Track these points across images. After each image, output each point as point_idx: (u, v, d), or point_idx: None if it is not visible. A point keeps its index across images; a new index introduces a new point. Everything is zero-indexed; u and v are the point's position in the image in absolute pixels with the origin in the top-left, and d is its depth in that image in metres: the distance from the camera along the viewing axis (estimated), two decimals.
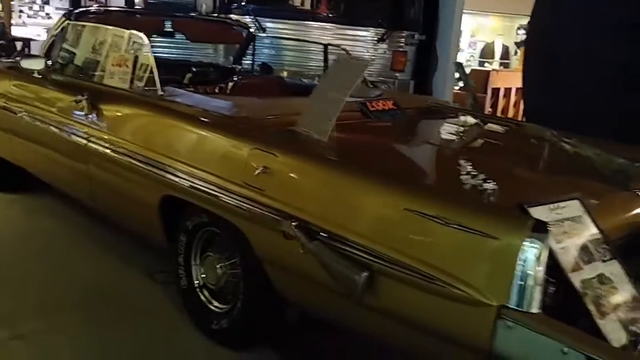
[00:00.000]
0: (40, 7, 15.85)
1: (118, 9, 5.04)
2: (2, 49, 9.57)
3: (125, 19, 4.17)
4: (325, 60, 4.43)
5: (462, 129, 2.98)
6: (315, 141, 2.33)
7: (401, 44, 7.21)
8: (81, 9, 3.96)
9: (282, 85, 4.32)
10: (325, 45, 4.46)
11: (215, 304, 2.76)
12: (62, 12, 15.30)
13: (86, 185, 3.41)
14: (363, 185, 2.05)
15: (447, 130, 3.05)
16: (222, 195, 2.44)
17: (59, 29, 3.92)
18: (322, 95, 2.44)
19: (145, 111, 3.04)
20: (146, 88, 3.13)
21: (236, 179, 2.39)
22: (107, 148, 3.13)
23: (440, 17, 7.47)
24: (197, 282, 2.81)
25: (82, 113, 3.32)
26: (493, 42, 13.47)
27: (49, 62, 3.91)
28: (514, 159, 2.63)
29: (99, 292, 3.22)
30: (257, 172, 2.29)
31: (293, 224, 2.08)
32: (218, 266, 2.68)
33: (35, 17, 15.52)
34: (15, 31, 12.35)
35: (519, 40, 13.25)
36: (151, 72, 3.13)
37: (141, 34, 3.25)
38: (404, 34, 7.15)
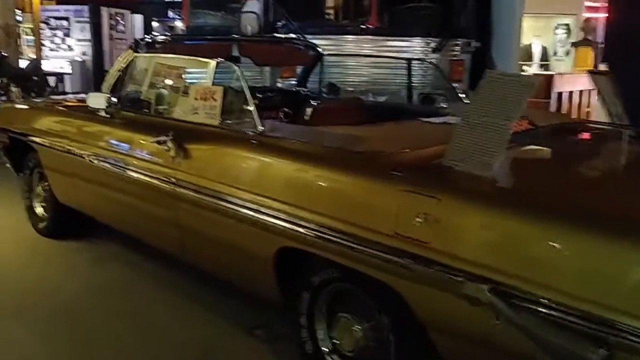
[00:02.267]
0: (61, 39, 15.82)
1: (183, 35, 4.69)
2: (35, 86, 9.34)
3: (192, 46, 3.84)
4: (409, 76, 4.06)
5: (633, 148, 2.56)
6: (479, 178, 1.94)
7: (456, 53, 6.85)
8: (147, 39, 3.62)
9: (364, 107, 3.95)
10: (409, 60, 4.09)
11: None
12: (84, 43, 15.41)
13: (174, 234, 3.05)
14: (576, 235, 1.65)
15: (616, 151, 2.64)
16: (364, 248, 2.06)
17: (126, 63, 3.59)
18: (477, 122, 2.05)
19: (246, 151, 2.68)
20: (238, 121, 2.79)
21: (384, 229, 2.00)
22: (201, 193, 2.77)
23: (494, 22, 7.09)
24: (326, 347, 2.42)
25: (167, 155, 2.96)
26: (530, 44, 13.01)
27: (115, 99, 3.59)
28: None
29: (197, 353, 2.87)
30: (416, 220, 1.90)
31: (484, 287, 1.68)
32: (356, 329, 2.28)
33: (57, 50, 15.47)
34: None
35: (557, 39, 12.76)
36: (246, 103, 2.79)
37: (230, 63, 2.91)
38: (459, 42, 6.79)
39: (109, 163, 3.42)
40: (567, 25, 12.25)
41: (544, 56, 13.04)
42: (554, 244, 1.64)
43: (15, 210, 4.79)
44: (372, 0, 6.71)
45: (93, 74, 15.13)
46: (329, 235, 2.17)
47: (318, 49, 4.54)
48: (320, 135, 2.56)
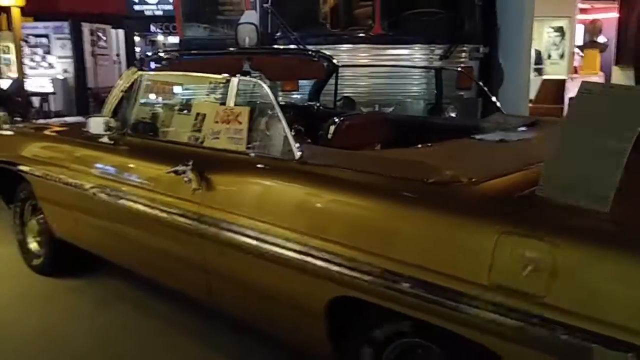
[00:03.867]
0: (42, 57, 15.31)
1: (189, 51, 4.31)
2: (19, 107, 8.86)
3: (202, 62, 3.46)
4: (439, 87, 3.73)
5: None
6: (596, 214, 1.60)
7: (464, 59, 6.55)
8: (153, 55, 3.24)
9: (390, 123, 3.60)
10: (438, 70, 3.76)
11: None
12: (65, 60, 14.94)
13: (199, 278, 2.67)
14: None
15: None
16: (448, 301, 1.70)
17: (129, 83, 3.21)
18: (580, 144, 1.71)
19: (284, 181, 2.32)
20: (269, 146, 2.42)
21: (477, 277, 1.65)
22: (231, 232, 2.40)
23: (501, 26, 6.81)
24: None
25: (187, 187, 2.59)
26: None
27: (118, 123, 3.20)
28: None
29: None
30: (524, 269, 1.55)
31: (629, 355, 1.34)
32: None
33: (37, 68, 14.96)
34: None
35: (551, 42, 12.55)
36: (278, 125, 2.43)
37: (256, 80, 2.55)
38: (466, 48, 6.49)
39: (115, 196, 3.03)
40: (560, 27, 12.06)
41: (538, 60, 12.84)
42: None
43: (5, 245, 4.37)
44: (375, 7, 6.38)
45: (75, 91, 14.67)
46: (401, 283, 1.81)
47: (333, 60, 4.19)
48: (375, 161, 2.20)
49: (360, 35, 6.45)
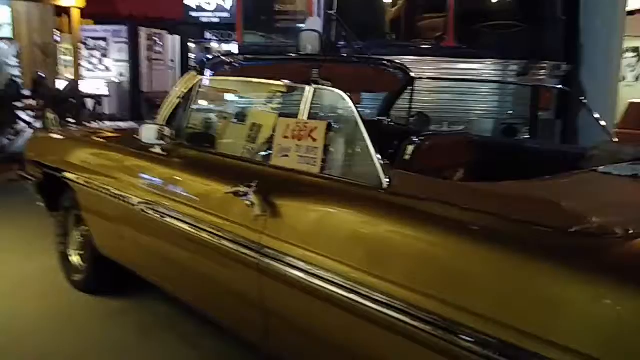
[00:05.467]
0: (98, 60, 15.43)
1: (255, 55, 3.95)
2: (72, 108, 8.74)
3: (267, 68, 3.09)
4: (534, 104, 3.25)
5: None
6: None
7: (542, 77, 6.02)
8: (215, 59, 2.88)
9: (476, 145, 3.14)
10: (536, 87, 3.29)
11: None
12: (121, 63, 15.03)
13: (254, 317, 2.27)
14: None
15: None
16: None
17: (188, 88, 2.86)
18: None
19: (366, 215, 1.90)
20: (349, 168, 2.02)
21: None
22: (299, 270, 1.99)
23: (585, 44, 6.26)
24: None
25: (248, 212, 2.20)
26: None
27: (173, 132, 2.86)
28: None
29: None
30: None
31: None
32: None
33: (94, 71, 15.07)
34: None
35: (626, 63, 11.79)
36: (361, 146, 2.02)
37: (338, 90, 2.16)
38: (546, 65, 5.97)
39: (164, 214, 2.67)
40: (636, 48, 11.34)
41: None
42: None
43: (46, 257, 4.09)
44: (449, 18, 5.94)
45: (130, 95, 14.70)
46: None
47: (409, 72, 3.76)
48: (489, 198, 1.75)
49: (428, 47, 6.02)
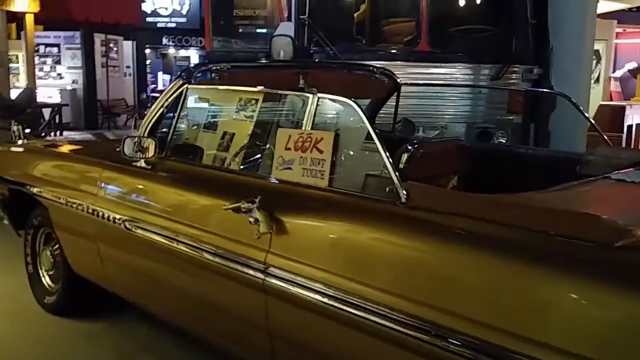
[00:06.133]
0: (51, 67, 14.91)
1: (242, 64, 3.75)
2: (28, 119, 8.34)
3: (254, 75, 2.95)
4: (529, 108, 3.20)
5: None
6: None
7: (514, 81, 6.05)
8: (203, 66, 2.72)
9: (468, 151, 3.07)
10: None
11: None
12: (75, 70, 14.55)
13: (260, 341, 2.13)
14: None
15: None
16: None
17: (173, 97, 2.69)
18: None
19: (382, 231, 1.79)
20: (359, 182, 1.91)
21: None
22: (309, 290, 1.87)
23: (554, 46, 6.32)
24: None
25: (251, 229, 2.05)
26: None
27: (156, 144, 2.68)
28: None
29: None
30: None
31: None
32: None
33: (46, 79, 14.55)
34: None
35: None
36: (374, 157, 1.91)
37: (346, 99, 2.04)
38: (518, 69, 6.00)
39: (153, 232, 2.50)
40: (596, 51, 11.62)
41: None
42: None
43: (15, 275, 3.83)
44: (422, 22, 5.90)
45: (84, 103, 14.23)
46: None
47: (396, 78, 3.68)
48: (516, 210, 1.66)
49: (402, 51, 5.98)
